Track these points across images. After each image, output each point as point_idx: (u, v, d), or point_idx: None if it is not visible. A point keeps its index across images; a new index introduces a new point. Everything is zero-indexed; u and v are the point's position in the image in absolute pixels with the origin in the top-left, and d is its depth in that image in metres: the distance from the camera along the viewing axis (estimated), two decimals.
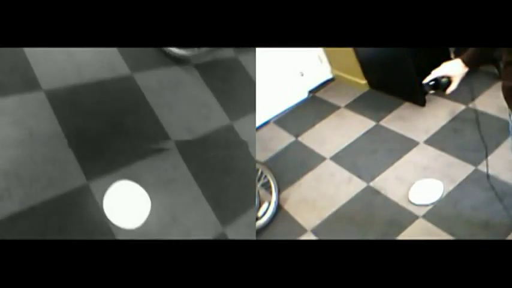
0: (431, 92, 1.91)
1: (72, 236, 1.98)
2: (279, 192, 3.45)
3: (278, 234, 3.21)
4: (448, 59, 3.76)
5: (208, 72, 3.30)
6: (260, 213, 3.30)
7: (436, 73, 1.90)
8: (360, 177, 3.45)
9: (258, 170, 3.42)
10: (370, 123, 3.99)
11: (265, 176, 3.44)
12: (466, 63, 1.84)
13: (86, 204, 2.11)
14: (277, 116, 4.71)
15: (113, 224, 2.15)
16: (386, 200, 3.14)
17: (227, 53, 3.67)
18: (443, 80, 1.85)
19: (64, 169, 2.12)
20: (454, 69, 1.85)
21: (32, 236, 1.87)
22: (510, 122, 1.96)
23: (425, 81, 1.91)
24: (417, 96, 3.85)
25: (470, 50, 1.83)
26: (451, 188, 2.98)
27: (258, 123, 4.65)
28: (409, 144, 3.53)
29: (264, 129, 4.59)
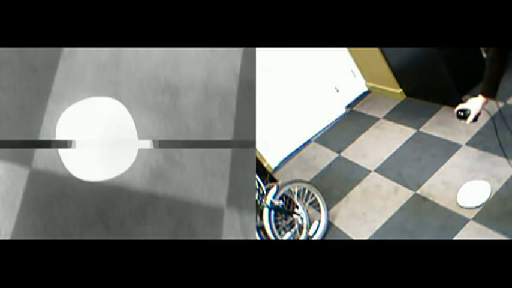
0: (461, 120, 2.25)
1: None
2: (327, 209, 3.53)
3: None
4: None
5: None
6: (311, 232, 3.38)
7: (461, 105, 2.22)
8: (406, 186, 3.48)
9: (304, 189, 3.52)
10: (410, 131, 4.02)
11: (313, 195, 3.52)
12: (485, 94, 2.12)
13: None
14: (317, 134, 4.80)
15: None
16: (435, 206, 3.15)
17: None
18: (467, 112, 2.19)
19: None
20: (473, 104, 2.16)
21: None
22: None
23: (456, 109, 2.25)
24: (454, 98, 3.85)
25: (484, 80, 2.11)
26: (498, 187, 2.98)
27: (299, 143, 4.75)
28: (451, 148, 3.54)
29: (306, 148, 4.69)
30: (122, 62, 1.91)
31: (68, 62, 1.88)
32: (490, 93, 2.11)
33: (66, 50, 1.89)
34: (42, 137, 1.85)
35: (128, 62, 1.90)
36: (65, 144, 1.54)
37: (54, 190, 1.83)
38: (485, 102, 2.14)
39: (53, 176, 1.84)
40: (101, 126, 1.58)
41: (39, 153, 1.83)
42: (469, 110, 2.17)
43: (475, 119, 2.19)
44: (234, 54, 1.85)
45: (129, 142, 1.59)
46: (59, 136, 1.57)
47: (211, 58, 1.87)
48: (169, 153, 1.79)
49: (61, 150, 1.59)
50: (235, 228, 1.66)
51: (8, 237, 1.81)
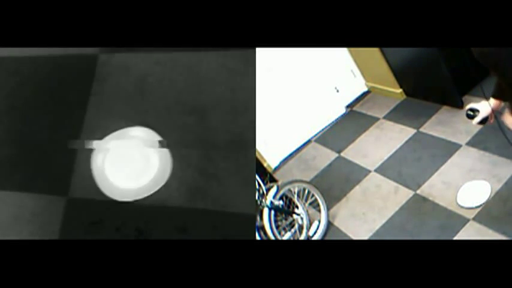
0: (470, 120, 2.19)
1: None
2: (327, 209, 3.53)
3: None
4: None
5: None
6: (311, 232, 3.38)
7: (471, 105, 2.15)
8: (406, 186, 3.48)
9: (304, 189, 3.52)
10: (410, 131, 4.01)
11: (313, 195, 3.53)
12: (495, 96, 2.05)
13: None
14: (317, 134, 4.80)
15: None
16: (435, 206, 3.15)
17: None
18: (476, 113, 2.12)
19: None
20: (483, 106, 2.09)
21: None
22: None
23: (467, 107, 2.18)
24: (454, 98, 3.85)
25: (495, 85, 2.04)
26: (498, 187, 2.97)
27: (300, 143, 4.75)
28: (451, 148, 3.54)
29: (306, 148, 4.69)
30: (146, 92, 1.91)
31: (97, 96, 1.90)
32: None
33: (95, 86, 1.91)
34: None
35: (152, 92, 1.90)
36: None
37: (93, 218, 1.83)
38: (497, 106, 2.08)
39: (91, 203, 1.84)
40: (132, 150, 1.81)
41: (75, 183, 1.84)
42: (478, 112, 2.11)
43: (483, 122, 2.13)
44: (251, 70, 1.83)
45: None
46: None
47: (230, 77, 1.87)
48: (204, 167, 1.79)
49: (96, 178, 1.80)
50: None
51: None
